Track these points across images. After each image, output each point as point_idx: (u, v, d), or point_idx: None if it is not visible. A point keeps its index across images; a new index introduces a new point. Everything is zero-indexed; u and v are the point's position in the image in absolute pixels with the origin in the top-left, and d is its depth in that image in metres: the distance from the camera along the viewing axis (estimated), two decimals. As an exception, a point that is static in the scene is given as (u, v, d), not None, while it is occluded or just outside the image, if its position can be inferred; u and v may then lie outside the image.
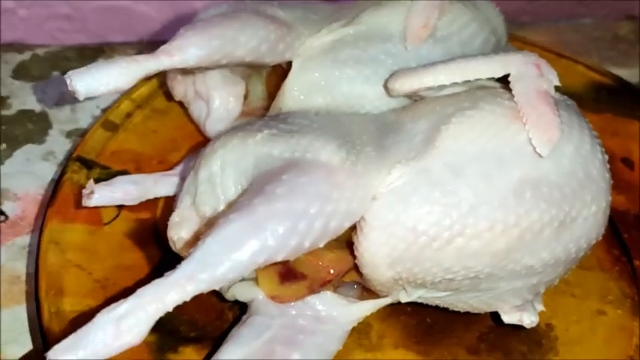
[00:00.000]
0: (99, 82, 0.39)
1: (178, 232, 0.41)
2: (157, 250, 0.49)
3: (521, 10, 0.73)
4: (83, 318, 0.34)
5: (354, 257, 0.40)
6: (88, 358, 0.32)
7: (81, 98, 0.39)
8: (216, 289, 0.35)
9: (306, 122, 0.41)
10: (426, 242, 0.38)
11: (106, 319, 0.33)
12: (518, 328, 0.45)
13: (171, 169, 0.52)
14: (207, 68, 0.46)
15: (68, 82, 0.39)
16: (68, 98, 0.62)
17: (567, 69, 0.65)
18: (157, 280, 0.34)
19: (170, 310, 0.34)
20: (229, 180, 0.40)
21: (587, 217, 0.40)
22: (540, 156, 0.38)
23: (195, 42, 0.42)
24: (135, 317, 0.33)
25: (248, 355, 0.38)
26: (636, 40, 0.74)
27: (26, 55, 0.65)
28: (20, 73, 0.63)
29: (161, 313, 0.33)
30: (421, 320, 0.46)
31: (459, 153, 0.38)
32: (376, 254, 0.38)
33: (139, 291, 0.33)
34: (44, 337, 0.42)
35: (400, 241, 0.38)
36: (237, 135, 0.41)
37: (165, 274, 0.34)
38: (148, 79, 0.58)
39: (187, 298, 0.34)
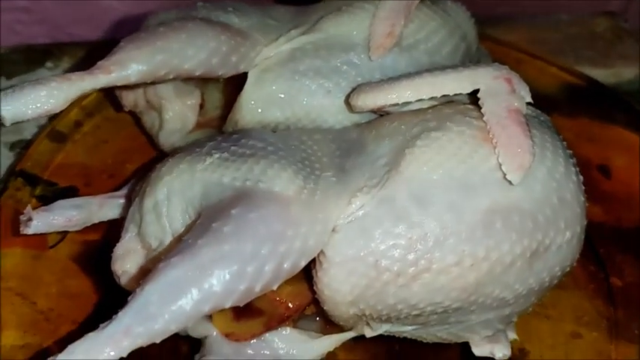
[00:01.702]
0: (26, 107, 0.35)
1: (123, 265, 0.38)
2: (105, 276, 0.45)
3: (496, 3, 0.71)
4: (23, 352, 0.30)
5: (314, 292, 0.37)
6: None
7: (7, 124, 0.35)
8: (157, 342, 0.32)
9: (260, 145, 0.38)
10: (389, 279, 0.35)
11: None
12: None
13: (121, 186, 0.49)
14: (153, 83, 0.43)
15: None
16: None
17: (541, 70, 0.63)
18: (91, 335, 0.30)
19: (104, 367, 0.30)
20: (176, 210, 0.36)
21: (562, 245, 0.37)
22: (511, 183, 0.35)
23: (136, 56, 0.38)
24: (65, 378, 0.30)
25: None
26: (613, 37, 0.72)
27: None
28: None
29: (95, 372, 0.30)
30: (389, 349, 0.44)
31: (425, 180, 0.35)
32: (337, 292, 0.35)
33: (70, 347, 0.30)
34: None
35: (362, 278, 0.35)
36: (184, 159, 0.37)
37: (101, 325, 0.31)
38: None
39: (123, 354, 0.30)
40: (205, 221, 0.33)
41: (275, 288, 0.34)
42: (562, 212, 0.37)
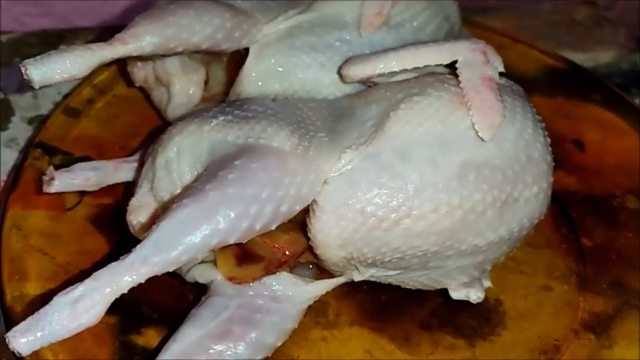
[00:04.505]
0: (53, 71, 0.39)
1: (137, 216, 0.42)
2: (117, 235, 0.50)
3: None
4: (44, 300, 0.35)
5: (308, 239, 0.41)
6: (46, 339, 0.33)
7: (36, 86, 0.40)
8: (171, 271, 0.36)
9: (261, 109, 0.42)
10: (374, 224, 0.39)
11: (62, 301, 0.34)
12: (468, 305, 0.47)
13: (132, 154, 0.53)
14: (164, 55, 0.47)
15: (23, 71, 0.39)
16: (30, 85, 0.62)
17: (522, 54, 0.67)
18: (113, 264, 0.35)
19: (125, 291, 0.35)
20: (185, 166, 0.41)
21: (529, 198, 0.42)
22: (483, 140, 0.40)
23: (150, 30, 0.43)
24: (90, 299, 0.34)
25: (206, 336, 0.39)
26: (592, 24, 0.76)
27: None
28: (-19, 60, 0.63)
29: (116, 295, 0.35)
30: (376, 298, 0.48)
31: (407, 138, 0.40)
32: (328, 236, 0.40)
33: (95, 274, 0.34)
34: (7, 320, 0.43)
35: (350, 223, 0.39)
36: (193, 122, 0.42)
37: (121, 257, 0.35)
38: (108, 65, 0.59)
39: (142, 280, 0.35)
40: (212, 171, 0.38)
41: (273, 228, 0.38)
42: (530, 169, 0.42)
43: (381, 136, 0.40)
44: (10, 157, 0.57)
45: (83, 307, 0.34)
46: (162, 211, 0.38)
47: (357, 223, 0.39)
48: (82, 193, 0.51)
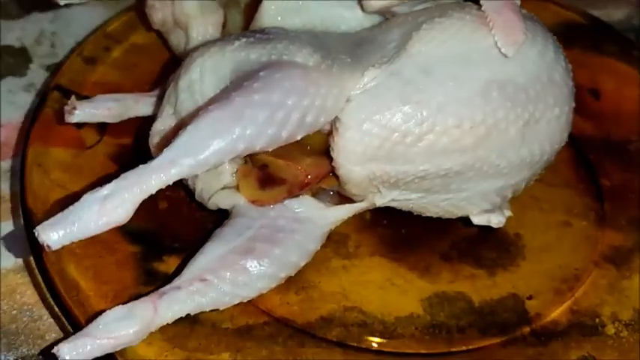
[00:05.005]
0: None
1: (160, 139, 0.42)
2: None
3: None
4: (65, 203, 0.35)
5: (331, 161, 0.41)
6: (75, 234, 0.33)
7: (61, 3, 0.40)
8: (198, 173, 0.36)
9: (282, 32, 0.42)
10: (398, 139, 0.39)
11: (91, 198, 0.34)
12: (487, 238, 0.48)
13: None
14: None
15: None
16: (47, 35, 0.63)
17: (540, 7, 0.66)
18: (141, 166, 0.35)
19: (153, 192, 0.35)
20: (208, 86, 0.41)
21: (551, 120, 0.42)
22: (505, 57, 0.40)
23: None
24: (120, 197, 0.34)
25: (230, 252, 0.40)
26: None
27: (4, -5, 0.65)
28: (-1, 10, 0.64)
29: (145, 195, 0.35)
30: (396, 231, 0.48)
31: (429, 55, 0.40)
32: (351, 152, 0.40)
33: (124, 175, 0.35)
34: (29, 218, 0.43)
35: (374, 139, 0.39)
36: (215, 44, 0.42)
37: (149, 161, 0.35)
38: (123, 13, 0.60)
39: (170, 182, 0.35)
40: (237, 82, 0.38)
41: (298, 138, 0.38)
42: (551, 90, 0.42)
43: (404, 54, 0.40)
44: (29, 101, 0.57)
45: (112, 204, 0.34)
46: (184, 125, 0.38)
47: (380, 138, 0.39)
48: (102, 132, 0.51)
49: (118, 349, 0.36)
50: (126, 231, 0.44)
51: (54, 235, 0.34)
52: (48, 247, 0.34)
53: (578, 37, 0.65)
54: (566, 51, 0.62)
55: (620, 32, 0.65)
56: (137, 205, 0.35)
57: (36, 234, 0.34)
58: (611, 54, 0.62)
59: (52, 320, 0.43)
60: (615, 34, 0.64)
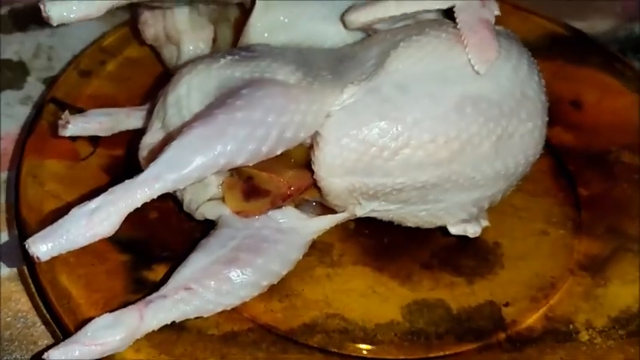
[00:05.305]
0: (69, 10, 0.41)
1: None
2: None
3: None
4: (58, 214, 0.37)
5: (313, 173, 0.43)
6: (64, 246, 0.35)
7: (54, 24, 0.42)
8: (181, 188, 0.38)
9: (267, 49, 0.44)
10: (375, 153, 0.41)
11: (79, 212, 0.36)
12: (466, 247, 0.49)
13: (143, 107, 0.55)
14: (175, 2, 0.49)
15: (42, 8, 0.41)
16: (44, 48, 0.65)
17: (523, 20, 0.68)
18: (127, 181, 0.37)
19: (139, 205, 0.37)
20: (195, 102, 0.43)
21: (524, 134, 0.44)
22: (478, 74, 0.41)
23: None
24: (106, 211, 0.36)
25: (214, 262, 0.41)
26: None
27: (3, 10, 0.67)
28: (-3, 25, 0.66)
29: (131, 209, 0.36)
30: (379, 241, 0.50)
31: (406, 73, 0.42)
32: (331, 165, 0.41)
33: (110, 189, 0.36)
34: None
35: (352, 153, 0.41)
36: (202, 62, 0.44)
37: (135, 176, 0.37)
38: (118, 27, 0.62)
39: (154, 196, 0.37)
40: (220, 99, 0.40)
41: (278, 153, 0.40)
42: (524, 105, 0.43)
43: (382, 72, 0.42)
44: (26, 113, 0.59)
45: (99, 217, 0.36)
46: (171, 139, 0.40)
47: (358, 152, 0.41)
48: (95, 145, 0.53)
49: (106, 355, 0.37)
50: (116, 240, 0.45)
51: (43, 247, 0.35)
52: (38, 258, 0.35)
53: (561, 49, 0.66)
54: (548, 63, 0.65)
55: (602, 44, 0.67)
56: (123, 218, 0.37)
57: (27, 246, 0.35)
58: (594, 65, 0.64)
59: (44, 327, 0.45)
60: (598, 47, 0.66)
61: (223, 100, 0.40)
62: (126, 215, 0.36)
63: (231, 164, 0.39)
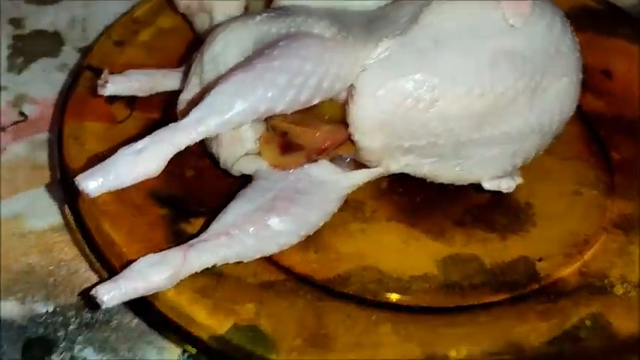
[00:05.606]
0: None
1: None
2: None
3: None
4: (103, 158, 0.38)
5: (347, 128, 0.44)
6: (112, 183, 0.36)
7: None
8: (224, 132, 0.39)
9: (301, 8, 0.45)
10: (410, 104, 0.42)
11: (126, 152, 0.37)
12: (499, 205, 0.50)
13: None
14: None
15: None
16: (79, 20, 0.66)
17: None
18: (171, 124, 0.38)
19: (182, 148, 0.38)
20: (232, 57, 0.44)
21: (559, 90, 0.44)
22: (513, 27, 0.42)
23: None
24: (152, 151, 0.37)
25: (253, 210, 0.42)
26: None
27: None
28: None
29: (175, 150, 0.38)
30: (412, 199, 0.50)
31: (440, 27, 0.42)
32: (366, 118, 0.42)
33: (154, 132, 0.37)
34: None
35: (387, 104, 0.42)
36: (238, 19, 0.45)
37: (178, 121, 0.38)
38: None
39: (197, 139, 0.38)
40: (258, 51, 0.41)
41: (315, 102, 0.41)
42: (559, 61, 0.44)
43: (416, 26, 0.42)
44: (62, 80, 0.60)
45: (145, 157, 0.37)
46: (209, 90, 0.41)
47: (394, 104, 0.42)
48: (132, 108, 0.54)
49: (151, 292, 0.38)
50: (156, 196, 0.47)
51: (93, 183, 0.36)
52: (87, 194, 0.36)
53: (591, 20, 0.66)
54: (579, 34, 0.64)
55: (631, 16, 0.67)
56: (168, 159, 0.38)
57: (76, 182, 0.37)
58: (624, 36, 0.64)
59: (88, 274, 0.46)
60: (628, 18, 0.66)
61: (261, 51, 0.41)
62: (170, 156, 0.38)
63: (271, 111, 0.40)
